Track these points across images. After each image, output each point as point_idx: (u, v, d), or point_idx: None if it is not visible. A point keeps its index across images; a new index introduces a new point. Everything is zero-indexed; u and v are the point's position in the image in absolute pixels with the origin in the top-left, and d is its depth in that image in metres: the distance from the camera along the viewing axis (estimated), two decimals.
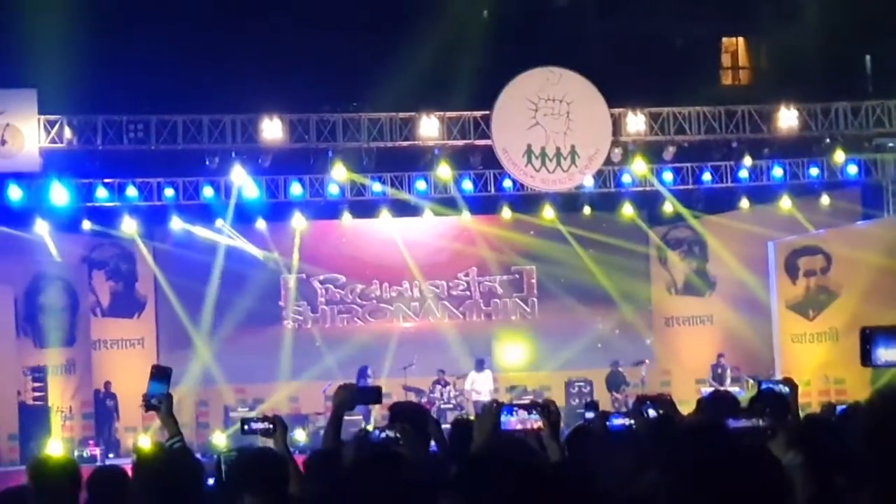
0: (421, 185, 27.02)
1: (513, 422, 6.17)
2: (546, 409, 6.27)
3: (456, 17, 26.98)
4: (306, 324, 29.73)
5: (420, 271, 29.86)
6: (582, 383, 28.52)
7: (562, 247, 29.57)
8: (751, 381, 26.08)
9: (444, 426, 8.27)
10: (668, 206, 28.61)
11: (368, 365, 26.77)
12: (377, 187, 27.27)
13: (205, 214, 27.62)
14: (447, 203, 28.11)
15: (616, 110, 24.99)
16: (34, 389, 25.95)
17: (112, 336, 28.55)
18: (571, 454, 7.09)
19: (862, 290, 25.16)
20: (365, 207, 28.33)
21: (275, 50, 26.64)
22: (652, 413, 7.47)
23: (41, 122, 23.29)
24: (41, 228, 25.97)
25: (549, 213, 28.47)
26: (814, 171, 27.29)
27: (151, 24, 25.35)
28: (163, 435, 7.01)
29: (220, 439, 25.45)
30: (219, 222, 27.94)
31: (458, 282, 30.37)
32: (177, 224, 27.72)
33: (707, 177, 27.44)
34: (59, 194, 24.58)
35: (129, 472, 6.47)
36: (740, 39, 32.69)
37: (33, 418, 25.30)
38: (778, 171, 27.39)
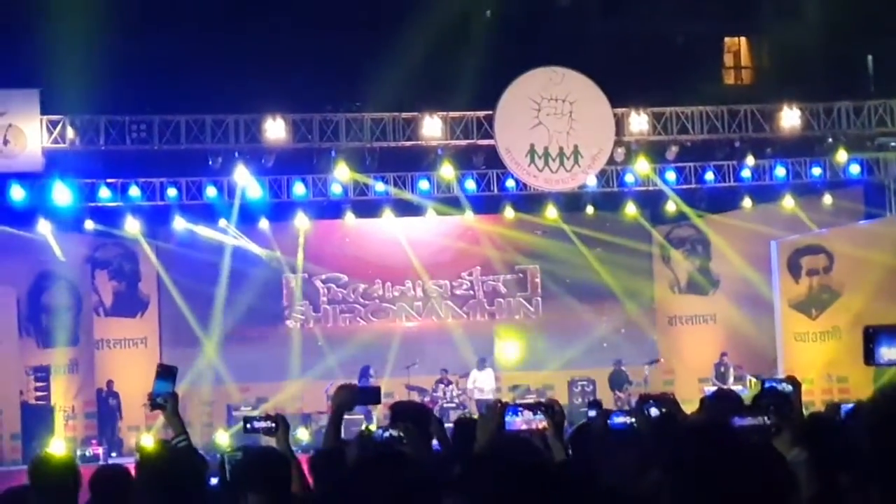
0: (424, 184, 27.02)
1: (517, 422, 6.18)
2: (550, 409, 6.28)
3: (459, 16, 26.99)
4: (309, 323, 29.75)
5: (423, 271, 29.87)
6: (585, 382, 28.55)
7: (566, 246, 29.59)
8: (753, 380, 26.09)
9: (447, 425, 8.27)
10: (671, 206, 28.61)
11: (371, 365, 26.81)
12: (380, 187, 27.27)
13: (208, 214, 27.63)
14: (450, 203, 28.10)
15: (619, 110, 24.99)
16: (37, 389, 26.00)
17: (115, 336, 28.56)
18: (575, 453, 7.09)
19: (865, 289, 25.15)
20: (368, 207, 28.33)
21: (277, 50, 26.64)
22: (654, 412, 7.47)
23: (44, 122, 23.29)
24: (44, 228, 25.97)
25: (552, 212, 28.49)
26: (816, 171, 27.27)
27: (154, 25, 25.34)
28: (167, 433, 7.02)
29: (223, 438, 25.47)
30: (222, 222, 27.95)
31: (462, 281, 30.38)
32: (180, 224, 27.73)
33: (710, 176, 27.43)
34: (62, 194, 24.58)
35: (133, 472, 6.48)
36: (743, 39, 32.68)
37: (36, 418, 25.34)
38: (780, 171, 27.38)
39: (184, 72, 25.39)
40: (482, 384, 27.06)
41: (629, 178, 27.20)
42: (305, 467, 6.67)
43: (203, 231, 28.21)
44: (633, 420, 7.33)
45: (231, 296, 28.53)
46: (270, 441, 6.99)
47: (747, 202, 28.47)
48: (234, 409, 27.24)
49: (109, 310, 28.76)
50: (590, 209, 28.91)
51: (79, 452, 24.79)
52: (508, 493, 4.12)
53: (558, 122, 24.58)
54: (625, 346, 29.41)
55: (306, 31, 27.00)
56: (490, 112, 24.64)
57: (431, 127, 24.66)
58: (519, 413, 6.20)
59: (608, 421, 7.54)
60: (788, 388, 5.78)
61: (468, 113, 24.94)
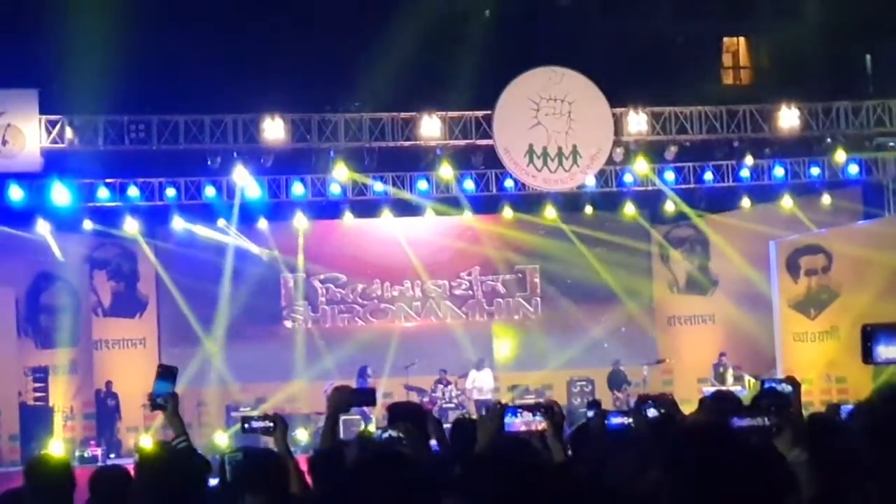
0: (422, 184, 27.01)
1: (517, 423, 6.19)
2: (550, 410, 6.29)
3: (458, 16, 26.99)
4: (307, 323, 29.75)
5: (422, 271, 29.88)
6: (584, 382, 28.58)
7: (565, 246, 29.59)
8: (752, 380, 26.11)
9: (445, 426, 8.28)
10: (670, 206, 28.62)
11: (370, 365, 26.83)
12: (379, 187, 27.27)
13: (206, 214, 27.62)
14: (449, 203, 28.11)
15: (618, 110, 24.98)
16: (35, 390, 25.98)
17: (113, 336, 28.56)
18: (574, 454, 7.09)
19: (863, 289, 25.15)
20: (366, 207, 28.34)
21: (276, 50, 26.63)
22: (652, 412, 7.48)
23: (42, 122, 23.28)
24: (43, 229, 25.97)
25: (550, 212, 28.51)
26: (815, 171, 27.29)
27: (153, 25, 25.32)
28: (165, 434, 7.02)
29: (221, 439, 25.46)
30: (221, 222, 27.95)
31: (461, 281, 30.39)
32: (178, 224, 27.72)
33: (709, 176, 27.43)
34: (61, 194, 24.58)
35: (132, 472, 6.47)
36: (741, 39, 32.69)
37: (34, 419, 25.33)
38: (779, 171, 27.39)
39: (182, 72, 25.37)
40: (481, 384, 27.09)
41: (628, 178, 27.20)
42: (304, 468, 6.67)
43: (202, 231, 28.21)
44: (631, 420, 7.34)
45: (230, 296, 28.53)
46: (269, 441, 7.00)
47: (746, 202, 28.50)
48: (232, 409, 27.23)
49: (108, 310, 28.76)
50: (588, 209, 28.93)
51: (77, 453, 24.81)
52: (508, 493, 4.12)
53: (557, 121, 24.56)
54: (624, 346, 29.42)
55: (305, 32, 26.99)
56: (489, 112, 24.63)
57: (430, 127, 24.65)
58: (518, 414, 6.20)
59: (605, 421, 7.55)
60: (788, 388, 5.78)
61: (467, 113, 24.93)
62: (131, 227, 26.99)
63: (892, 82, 27.10)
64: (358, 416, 24.19)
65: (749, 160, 26.64)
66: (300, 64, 26.53)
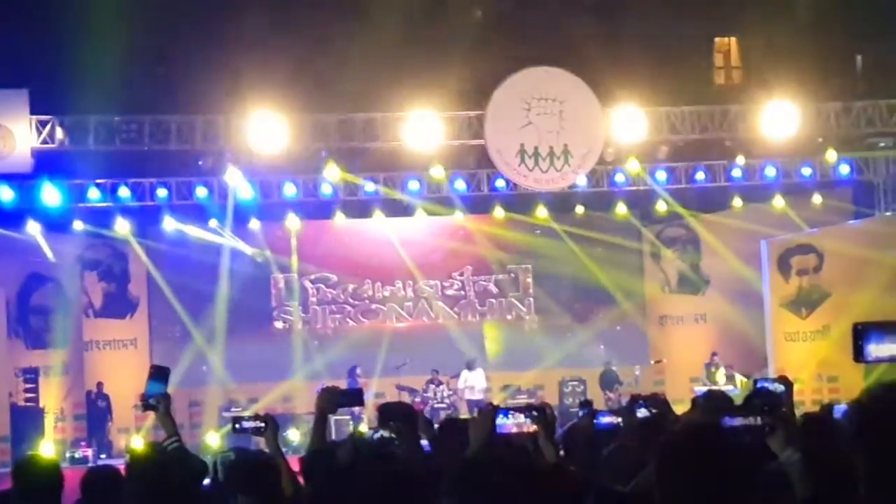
0: (413, 185, 27.01)
1: (508, 425, 6.19)
2: (542, 412, 6.29)
3: (449, 16, 26.97)
4: (298, 324, 29.74)
5: (414, 271, 29.88)
6: (576, 382, 28.58)
7: (557, 246, 29.60)
8: (743, 380, 26.14)
9: (436, 426, 8.28)
10: (662, 205, 28.65)
11: (361, 365, 26.85)
12: (370, 187, 27.26)
13: (198, 215, 27.61)
14: (440, 203, 28.11)
15: (609, 110, 24.98)
16: (26, 391, 25.94)
17: (104, 337, 28.52)
18: (566, 453, 7.10)
19: (854, 289, 25.18)
20: (358, 207, 28.34)
21: (267, 50, 26.58)
22: (643, 412, 7.48)
23: (33, 122, 23.22)
24: (33, 229, 25.94)
25: (542, 212, 28.53)
26: (806, 171, 27.34)
27: (144, 25, 25.27)
28: (157, 435, 7.01)
29: (213, 439, 25.43)
30: (212, 222, 27.93)
31: (453, 281, 30.39)
32: (170, 224, 27.70)
33: (700, 176, 27.46)
34: (51, 195, 24.53)
35: (123, 473, 6.47)
36: (733, 39, 32.68)
37: (25, 420, 25.29)
38: (771, 171, 27.42)
39: (173, 72, 25.34)
40: (473, 384, 27.09)
41: (619, 178, 27.22)
42: (296, 468, 6.68)
43: (193, 232, 28.18)
44: (620, 420, 7.34)
45: (221, 296, 28.51)
46: (260, 441, 7.01)
47: (737, 202, 28.53)
48: (224, 409, 27.22)
49: (99, 311, 28.72)
50: (580, 209, 28.96)
51: (68, 454, 24.80)
52: (501, 495, 4.11)
53: (548, 121, 24.54)
54: (616, 346, 29.45)
55: (296, 31, 26.94)
56: (480, 112, 24.62)
57: (421, 127, 24.62)
58: (510, 416, 6.21)
59: (595, 421, 7.55)
60: (780, 387, 5.78)
61: (458, 113, 24.92)
62: (122, 227, 26.96)
63: (882, 83, 27.13)
64: (347, 416, 24.21)
65: (741, 160, 26.67)
66: (291, 64, 26.49)
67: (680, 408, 9.10)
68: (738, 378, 26.86)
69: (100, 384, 27.20)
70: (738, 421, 4.68)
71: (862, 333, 3.84)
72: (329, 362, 27.96)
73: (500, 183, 26.79)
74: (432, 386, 27.20)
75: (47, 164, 24.00)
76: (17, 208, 24.92)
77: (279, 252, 29.34)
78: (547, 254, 29.73)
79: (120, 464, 7.57)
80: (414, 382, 27.20)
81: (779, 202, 28.09)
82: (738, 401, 7.48)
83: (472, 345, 29.05)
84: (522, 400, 26.94)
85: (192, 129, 24.13)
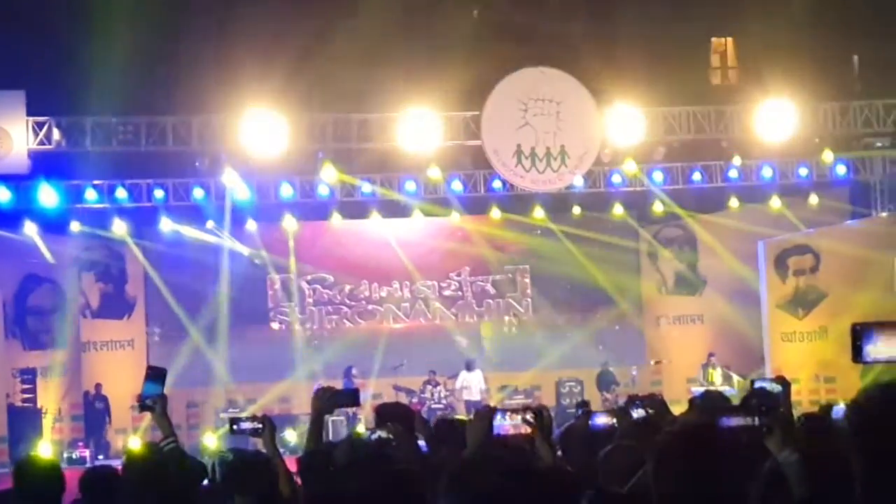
0: (410, 185, 27.02)
1: (506, 426, 6.19)
2: (539, 414, 6.29)
3: (445, 17, 26.96)
4: (295, 324, 29.75)
5: (411, 272, 29.87)
6: (573, 383, 28.60)
7: (554, 247, 29.61)
8: (739, 380, 26.15)
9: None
10: (658, 206, 28.66)
11: (357, 365, 26.86)
12: (367, 188, 27.26)
13: (194, 216, 27.61)
14: (437, 204, 28.11)
15: (606, 110, 24.97)
16: (23, 391, 25.96)
17: (101, 338, 28.53)
18: (563, 454, 7.10)
19: (851, 289, 25.20)
20: (355, 209, 28.34)
21: (264, 50, 26.58)
22: (639, 413, 7.48)
23: (29, 123, 23.20)
24: (30, 230, 25.94)
25: (539, 213, 28.53)
26: (803, 171, 27.34)
27: (140, 25, 25.26)
28: (154, 436, 7.02)
29: (210, 440, 25.43)
30: (209, 224, 27.94)
31: (450, 282, 30.40)
32: (166, 225, 27.70)
33: (697, 176, 27.45)
34: (48, 196, 24.54)
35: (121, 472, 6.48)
36: (729, 39, 32.70)
37: (23, 420, 25.31)
38: (767, 171, 27.42)
39: (170, 73, 25.33)
40: (471, 385, 27.07)
41: (616, 179, 27.22)
42: (294, 468, 6.68)
43: (190, 233, 28.19)
44: (615, 421, 7.34)
45: (218, 297, 28.53)
46: (258, 442, 7.02)
47: (734, 202, 28.54)
48: (221, 410, 27.23)
49: (96, 312, 28.73)
50: (577, 210, 28.96)
51: (65, 455, 24.78)
52: (498, 497, 4.11)
53: (545, 122, 24.52)
54: (613, 347, 29.46)
55: (291, 33, 26.94)
56: (477, 113, 24.60)
57: (418, 128, 24.60)
58: (507, 417, 6.21)
59: (590, 422, 7.55)
60: (777, 388, 5.78)
61: (455, 114, 24.90)
62: (119, 228, 26.98)
63: (879, 83, 27.13)
64: (342, 417, 24.23)
65: (737, 160, 26.67)
66: (288, 65, 26.48)
67: (677, 408, 9.11)
68: (735, 378, 26.87)
69: (98, 385, 27.20)
70: (735, 421, 4.68)
71: (860, 334, 3.83)
72: (326, 363, 27.97)
73: (496, 184, 26.79)
74: (429, 386, 27.21)
75: (44, 165, 23.99)
76: (14, 209, 24.92)
77: (275, 253, 29.34)
78: (545, 254, 29.74)
79: (117, 464, 7.57)
80: (411, 383, 27.22)
81: (775, 203, 28.09)
82: (736, 401, 7.49)
83: (469, 345, 29.05)
84: (519, 400, 26.98)
85: (189, 130, 24.11)
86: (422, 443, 7.32)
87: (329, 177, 25.83)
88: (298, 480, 6.57)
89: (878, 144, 27.10)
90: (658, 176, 27.24)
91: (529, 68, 24.76)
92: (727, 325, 28.93)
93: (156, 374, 6.83)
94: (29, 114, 23.16)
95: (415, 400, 26.04)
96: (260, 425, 6.86)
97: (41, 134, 23.33)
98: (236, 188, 26.04)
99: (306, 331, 29.70)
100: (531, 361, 29.21)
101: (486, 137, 24.50)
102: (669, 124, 25.42)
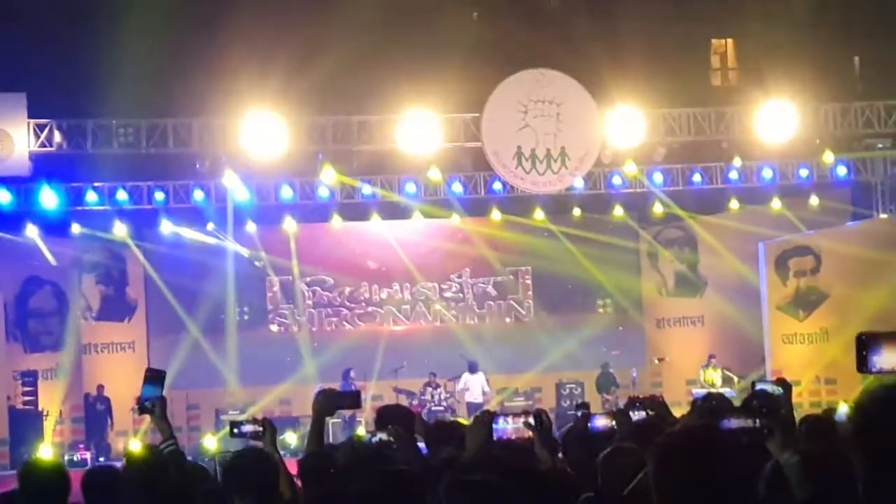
0: (410, 187, 27.00)
1: (508, 430, 6.19)
2: (538, 418, 6.29)
3: (446, 19, 26.96)
4: (295, 326, 29.73)
5: (414, 272, 29.85)
6: (573, 385, 28.56)
7: (556, 249, 29.57)
8: (740, 382, 26.13)
9: None
10: (659, 208, 28.63)
11: (357, 367, 26.83)
12: (367, 190, 27.24)
13: (195, 218, 27.61)
14: (437, 206, 28.10)
15: (606, 112, 24.96)
16: (24, 394, 25.96)
17: (102, 340, 28.53)
18: (564, 456, 7.09)
19: (852, 291, 25.17)
20: (355, 210, 28.31)
21: (264, 53, 26.57)
22: (640, 414, 7.47)
23: (31, 126, 23.21)
24: (31, 233, 25.95)
25: (539, 215, 28.51)
26: (803, 172, 27.32)
27: (140, 28, 25.27)
28: (154, 438, 7.02)
29: (210, 442, 25.40)
30: (210, 226, 27.93)
31: (451, 283, 30.38)
32: (167, 227, 27.69)
33: (697, 178, 27.43)
34: (49, 198, 24.55)
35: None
36: (730, 41, 32.70)
37: (24, 423, 25.31)
38: (768, 173, 27.40)
39: (170, 76, 25.33)
40: (473, 387, 27.04)
41: (616, 181, 27.19)
42: (294, 471, 6.68)
43: (190, 234, 28.18)
44: (614, 423, 7.33)
45: (218, 299, 28.51)
46: (258, 445, 7.00)
47: (734, 204, 28.52)
48: (221, 412, 27.20)
49: (97, 314, 28.72)
50: (577, 211, 28.94)
51: (66, 457, 24.75)
52: (498, 497, 4.11)
53: (545, 124, 24.52)
54: (614, 348, 29.42)
55: (291, 36, 26.93)
56: (477, 115, 24.60)
57: (418, 130, 24.59)
58: (506, 421, 6.20)
59: (589, 424, 7.54)
60: (779, 390, 5.77)
61: (455, 115, 24.90)
62: (120, 230, 26.97)
63: (880, 84, 27.13)
64: (338, 420, 24.23)
65: (738, 162, 26.65)
66: (288, 67, 26.48)
67: (677, 410, 9.11)
68: (736, 380, 26.85)
69: (100, 387, 27.17)
70: (735, 423, 4.68)
71: (867, 344, 3.81)
72: (326, 365, 27.92)
73: (497, 185, 26.79)
74: (430, 389, 27.19)
75: (45, 167, 24.01)
76: (15, 212, 24.93)
77: (275, 255, 29.32)
78: (546, 256, 29.70)
79: (118, 466, 7.58)
80: (411, 385, 27.20)
81: (776, 204, 28.07)
82: (737, 403, 7.48)
83: (469, 347, 28.99)
84: (520, 402, 26.98)
85: (189, 132, 24.12)
86: (422, 445, 7.32)
87: (329, 178, 25.82)
88: (299, 483, 6.57)
89: (880, 145, 27.09)
90: (658, 177, 27.21)
91: (529, 70, 24.76)
92: (728, 327, 28.90)
93: (155, 377, 6.83)
94: (30, 116, 23.18)
95: (415, 402, 26.03)
96: (261, 428, 6.85)
97: (42, 136, 23.35)
98: (236, 190, 26.03)
99: (306, 333, 29.66)
100: (531, 363, 29.17)
101: (487, 139, 24.50)
102: (670, 125, 25.42)
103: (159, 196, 26.32)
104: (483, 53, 25.58)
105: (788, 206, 28.14)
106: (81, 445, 26.11)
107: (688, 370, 28.45)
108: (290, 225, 28.41)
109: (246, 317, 29.03)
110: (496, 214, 28.66)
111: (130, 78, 23.87)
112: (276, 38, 26.80)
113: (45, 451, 23.04)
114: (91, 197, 25.64)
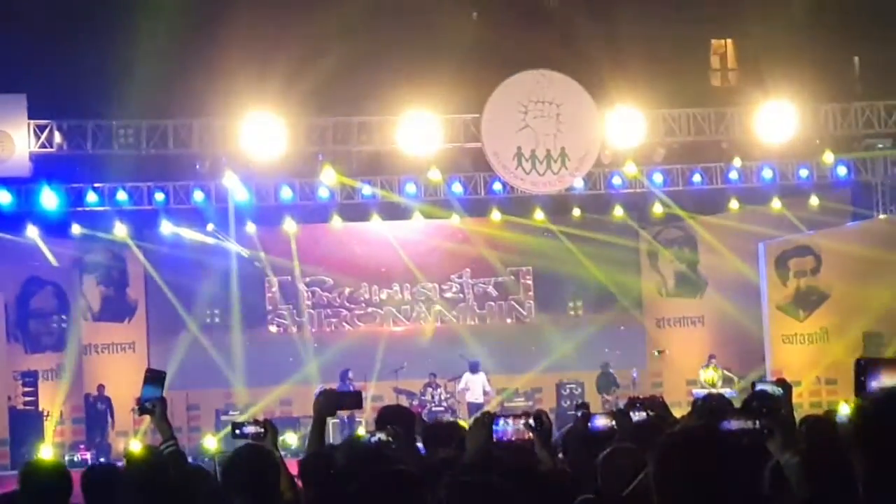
0: (411, 188, 27.00)
1: (508, 431, 6.19)
2: (538, 419, 6.29)
3: (445, 19, 26.96)
4: (294, 327, 29.72)
5: (415, 272, 29.84)
6: (573, 385, 28.54)
7: (556, 249, 29.56)
8: (740, 382, 26.13)
9: None
10: (659, 208, 28.62)
11: (356, 368, 26.81)
12: (367, 190, 27.24)
13: (195, 218, 27.61)
14: (437, 206, 28.09)
15: (606, 112, 24.97)
16: (25, 394, 25.97)
17: (103, 340, 28.52)
18: (564, 457, 7.10)
19: (852, 291, 25.18)
20: (355, 211, 28.31)
21: (264, 53, 26.58)
22: (641, 415, 7.47)
23: (31, 126, 23.23)
24: (32, 233, 25.96)
25: (539, 215, 28.51)
26: (803, 173, 27.32)
27: (140, 29, 25.28)
28: (154, 439, 7.03)
29: (211, 443, 25.41)
30: (210, 226, 27.93)
31: (451, 284, 30.37)
32: (167, 228, 27.69)
33: (697, 178, 27.43)
34: (50, 199, 24.57)
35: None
36: (729, 41, 32.70)
37: (24, 423, 25.32)
38: (767, 173, 27.40)
39: (171, 77, 25.33)
40: (474, 387, 27.04)
41: (616, 181, 27.19)
42: (294, 471, 6.68)
43: (190, 235, 28.18)
44: (614, 423, 7.34)
45: (218, 300, 28.52)
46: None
47: (734, 204, 28.51)
48: (221, 413, 27.21)
49: (97, 315, 28.71)
50: (577, 212, 28.94)
51: (66, 458, 24.75)
52: (500, 497, 4.12)
53: (545, 124, 24.53)
54: (614, 348, 29.40)
55: (293, 37, 26.93)
56: (477, 115, 24.61)
57: (418, 130, 24.60)
58: (506, 422, 6.21)
59: (589, 424, 7.55)
60: (779, 390, 5.77)
61: (455, 116, 24.91)
62: (120, 231, 26.97)
63: (880, 84, 27.13)
64: (336, 420, 24.21)
65: (737, 162, 26.65)
66: (287, 67, 26.48)
67: (677, 411, 9.11)
68: (736, 380, 26.85)
69: (101, 387, 27.16)
70: (736, 424, 4.68)
71: (865, 369, 3.82)
72: (327, 365, 27.91)
73: (497, 186, 26.80)
74: (430, 389, 27.19)
75: (46, 168, 24.03)
76: (15, 212, 24.94)
77: (275, 255, 29.32)
78: (546, 256, 29.69)
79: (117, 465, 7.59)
80: (412, 386, 27.20)
81: (776, 204, 28.07)
82: (737, 403, 7.49)
83: (470, 347, 28.98)
84: (520, 403, 26.98)
85: (189, 133, 24.15)
86: (420, 445, 7.33)
87: (329, 179, 25.83)
88: (300, 483, 6.57)
89: (880, 146, 27.09)
90: (658, 177, 27.21)
91: (529, 71, 24.77)
92: (728, 327, 28.90)
93: (155, 378, 6.83)
94: (30, 117, 23.20)
95: (415, 402, 26.03)
96: (262, 429, 6.86)
97: (42, 137, 23.36)
98: (236, 191, 26.03)
99: (306, 333, 29.66)
100: (531, 364, 29.16)
101: (487, 140, 24.51)
102: (669, 126, 25.43)
103: (159, 197, 26.32)
104: (483, 54, 25.57)
105: (788, 207, 28.13)
106: (82, 446, 26.11)
107: (688, 370, 28.44)
108: (289, 225, 28.41)
109: (247, 317, 29.01)
110: (496, 215, 28.65)
111: (131, 79, 23.89)
112: (275, 39, 26.80)
113: (46, 452, 23.06)
114: (91, 198, 25.65)
